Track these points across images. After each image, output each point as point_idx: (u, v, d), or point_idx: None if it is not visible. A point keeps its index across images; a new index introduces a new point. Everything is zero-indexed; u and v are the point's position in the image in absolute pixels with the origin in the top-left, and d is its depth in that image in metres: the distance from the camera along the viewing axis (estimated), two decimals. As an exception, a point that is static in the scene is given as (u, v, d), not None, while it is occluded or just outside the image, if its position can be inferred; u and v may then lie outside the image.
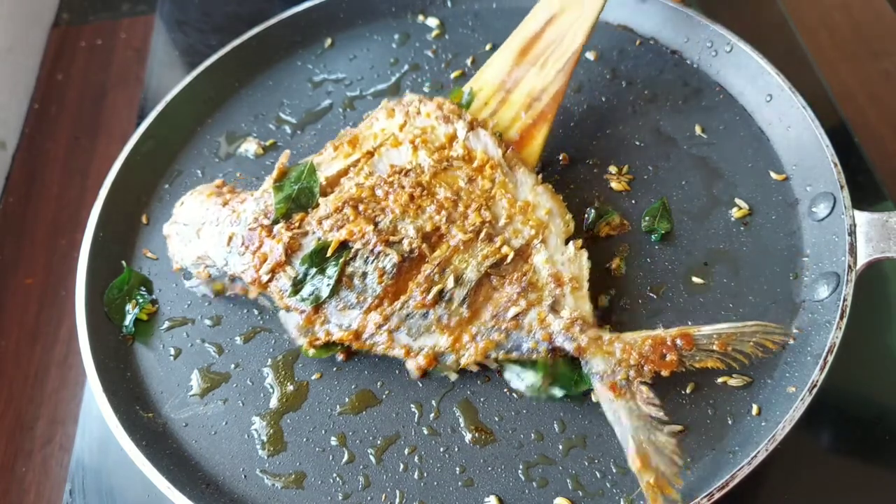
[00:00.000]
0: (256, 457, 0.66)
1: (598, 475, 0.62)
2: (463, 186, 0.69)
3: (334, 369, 0.70)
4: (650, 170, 0.79)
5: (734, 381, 0.65)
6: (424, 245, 0.66)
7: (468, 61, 0.91)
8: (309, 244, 0.68)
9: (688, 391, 0.65)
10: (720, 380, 0.65)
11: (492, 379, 0.68)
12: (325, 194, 0.71)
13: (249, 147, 0.87)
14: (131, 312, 0.75)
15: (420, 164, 0.70)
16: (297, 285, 0.67)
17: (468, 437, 0.65)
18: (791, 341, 0.64)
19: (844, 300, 0.64)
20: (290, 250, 0.68)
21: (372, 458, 0.65)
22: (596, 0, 0.76)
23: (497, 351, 0.64)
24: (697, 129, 0.81)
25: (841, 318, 0.63)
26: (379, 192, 0.69)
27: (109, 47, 1.21)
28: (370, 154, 0.72)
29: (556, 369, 0.64)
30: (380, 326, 0.65)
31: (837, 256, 0.67)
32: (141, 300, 0.75)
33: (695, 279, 0.71)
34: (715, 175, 0.78)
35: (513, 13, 0.94)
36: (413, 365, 0.65)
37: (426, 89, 0.89)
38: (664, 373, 0.60)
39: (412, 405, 0.67)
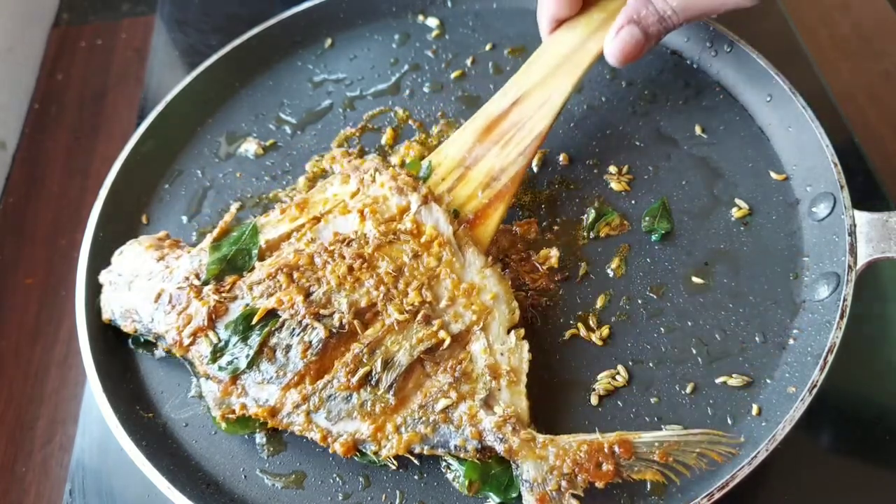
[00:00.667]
0: (256, 457, 0.66)
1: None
2: (407, 262, 0.65)
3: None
4: (650, 170, 0.79)
5: (734, 381, 0.65)
6: (356, 321, 0.63)
7: (468, 61, 0.91)
8: (237, 310, 0.65)
9: (688, 391, 0.65)
10: (720, 380, 0.65)
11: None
12: (263, 258, 0.68)
13: (249, 147, 0.87)
14: None
15: (365, 235, 0.66)
16: (217, 353, 0.64)
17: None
18: (738, 453, 0.59)
19: (844, 300, 0.64)
20: (216, 314, 0.65)
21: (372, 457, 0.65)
22: (563, 88, 0.74)
23: (422, 445, 0.60)
24: (697, 129, 0.81)
25: (841, 318, 0.63)
26: (318, 261, 0.65)
27: (109, 47, 1.21)
28: (316, 220, 0.68)
29: (489, 469, 0.61)
30: (297, 406, 0.62)
31: (837, 256, 0.67)
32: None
33: (695, 279, 0.71)
34: (715, 175, 0.78)
35: (513, 13, 0.94)
36: (333, 450, 0.61)
37: (426, 89, 0.89)
38: (599, 485, 0.57)
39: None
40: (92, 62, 1.20)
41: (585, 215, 0.76)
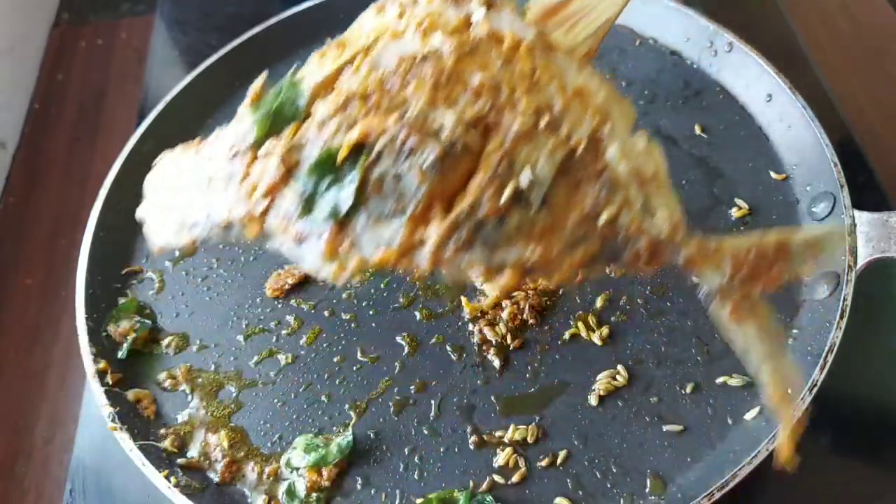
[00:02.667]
0: (256, 457, 0.66)
1: (598, 475, 0.62)
2: (499, 70, 0.53)
3: (335, 379, 0.70)
4: (650, 170, 0.79)
5: (734, 381, 0.65)
6: (472, 133, 0.51)
7: (468, 61, 0.91)
8: (311, 156, 0.52)
9: (688, 391, 0.65)
10: (720, 380, 0.65)
11: (491, 380, 0.68)
12: (311, 109, 0.56)
13: (249, 147, 0.87)
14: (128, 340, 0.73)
15: (436, 50, 0.54)
16: (308, 202, 0.52)
17: (469, 438, 0.65)
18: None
19: (844, 300, 0.64)
20: (288, 165, 0.53)
21: (371, 458, 0.65)
22: None
23: (593, 264, 0.52)
24: (697, 129, 0.81)
25: (841, 317, 0.63)
26: (390, 87, 0.53)
27: (109, 47, 1.21)
28: (367, 50, 0.56)
29: None
30: (446, 240, 0.51)
31: (837, 256, 0.67)
32: (140, 326, 0.74)
33: (695, 279, 0.71)
34: (715, 175, 0.78)
35: (513, 13, 0.94)
36: (500, 283, 0.53)
37: (426, 89, 0.89)
38: (771, 289, 0.53)
39: (413, 404, 0.67)
40: (92, 62, 1.19)
41: (585, 215, 0.76)
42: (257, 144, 0.54)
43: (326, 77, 0.56)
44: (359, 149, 0.52)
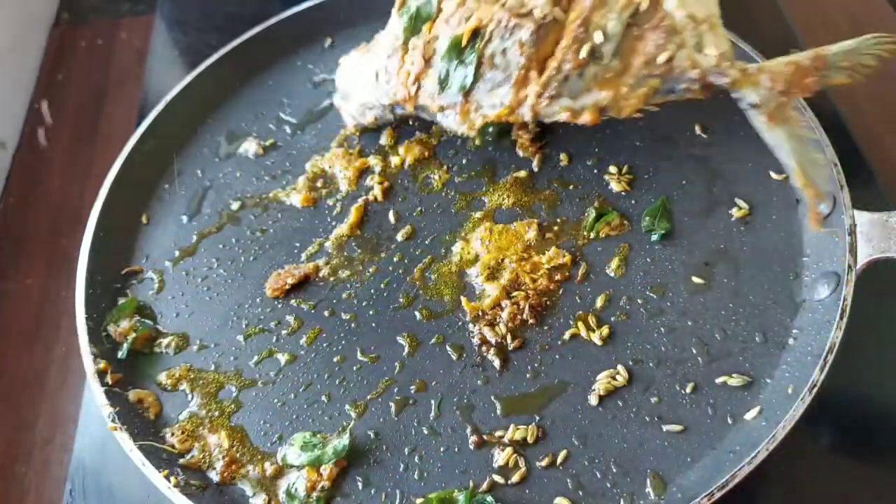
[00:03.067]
0: (256, 457, 0.66)
1: (598, 475, 0.62)
2: None
3: (335, 379, 0.70)
4: (650, 170, 0.79)
5: (734, 381, 0.65)
6: (556, 9, 0.67)
7: (468, 61, 0.91)
8: (441, 48, 0.70)
9: (688, 391, 0.65)
10: (720, 380, 0.65)
11: (491, 380, 0.68)
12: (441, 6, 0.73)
13: (250, 147, 0.87)
14: (128, 340, 0.73)
15: None
16: (444, 82, 0.71)
17: (469, 438, 0.65)
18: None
19: (844, 300, 0.64)
20: (427, 56, 0.71)
21: (371, 458, 0.65)
22: None
23: (655, 97, 0.67)
24: (697, 129, 0.81)
25: (841, 317, 0.63)
26: None
27: (109, 47, 1.21)
28: None
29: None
30: (540, 95, 0.68)
31: (837, 256, 0.67)
32: (140, 326, 0.74)
33: (695, 279, 0.71)
34: (715, 175, 0.78)
35: (513, 13, 0.94)
36: (582, 121, 0.68)
37: (426, 89, 0.90)
38: (806, 96, 0.65)
39: (413, 404, 0.67)
40: (92, 62, 1.19)
41: (585, 215, 0.76)
42: (405, 43, 0.73)
43: None
44: (475, 34, 0.69)
